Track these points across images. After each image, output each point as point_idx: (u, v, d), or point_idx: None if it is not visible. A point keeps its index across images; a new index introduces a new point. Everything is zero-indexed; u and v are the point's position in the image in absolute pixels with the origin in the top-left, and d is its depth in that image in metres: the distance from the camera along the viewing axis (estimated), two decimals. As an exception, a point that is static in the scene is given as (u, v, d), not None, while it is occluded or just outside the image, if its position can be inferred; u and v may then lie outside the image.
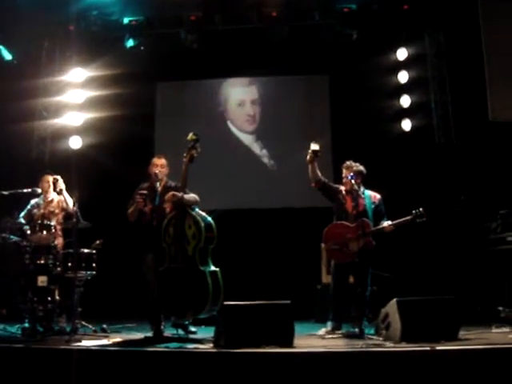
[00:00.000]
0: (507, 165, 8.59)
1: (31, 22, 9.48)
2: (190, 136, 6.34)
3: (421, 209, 6.44)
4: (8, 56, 9.72)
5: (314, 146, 6.75)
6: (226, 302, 5.43)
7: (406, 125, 10.00)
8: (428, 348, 4.96)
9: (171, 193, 6.26)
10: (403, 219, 6.52)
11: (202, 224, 6.06)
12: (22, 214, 7.39)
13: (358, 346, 5.32)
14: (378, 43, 10.10)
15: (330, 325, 6.64)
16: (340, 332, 6.45)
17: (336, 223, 6.83)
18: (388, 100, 10.12)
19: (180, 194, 6.19)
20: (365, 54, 9.94)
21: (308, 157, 6.80)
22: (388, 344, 5.40)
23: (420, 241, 8.86)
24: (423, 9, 9.79)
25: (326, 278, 8.53)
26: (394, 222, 6.58)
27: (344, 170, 6.92)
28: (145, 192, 6.46)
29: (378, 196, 6.86)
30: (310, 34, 10.14)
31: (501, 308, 7.19)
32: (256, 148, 10.71)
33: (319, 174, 6.91)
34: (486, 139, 8.99)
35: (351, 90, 10.19)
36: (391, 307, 5.70)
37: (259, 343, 5.14)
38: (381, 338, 5.75)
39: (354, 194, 6.68)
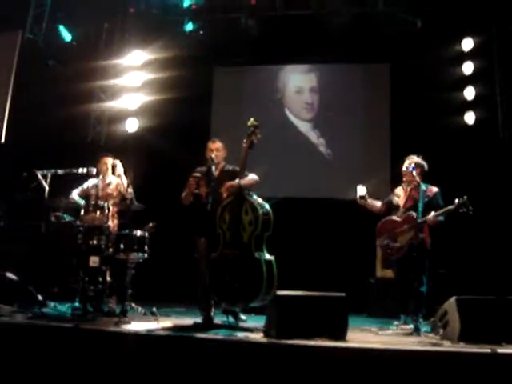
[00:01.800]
0: None
1: (91, 3, 9.52)
2: (251, 121, 6.18)
3: (465, 197, 6.19)
4: (68, 37, 9.79)
5: (361, 192, 6.83)
6: (279, 292, 5.27)
7: (470, 118, 9.64)
8: (489, 350, 4.71)
9: (228, 184, 6.11)
10: (446, 209, 6.28)
11: (260, 211, 5.91)
12: (77, 191, 7.39)
13: (414, 344, 5.11)
14: (443, 33, 9.74)
15: (403, 318, 6.56)
16: (395, 328, 6.27)
17: (386, 219, 6.78)
18: (451, 92, 9.75)
19: (236, 182, 6.07)
20: (429, 43, 9.64)
21: (358, 201, 6.87)
22: (445, 343, 5.17)
23: (480, 238, 8.56)
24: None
25: (381, 272, 8.36)
26: (437, 212, 6.32)
27: (406, 161, 6.79)
28: (197, 175, 6.33)
29: (435, 189, 6.57)
30: (373, 21, 9.93)
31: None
32: (313, 136, 10.53)
33: (378, 204, 6.91)
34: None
35: (413, 81, 9.87)
36: (450, 305, 5.47)
37: (311, 335, 4.97)
38: (438, 337, 5.51)
39: (408, 188, 6.68)
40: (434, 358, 4.70)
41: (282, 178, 9.72)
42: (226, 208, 6.08)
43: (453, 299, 5.44)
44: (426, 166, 6.74)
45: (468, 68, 9.76)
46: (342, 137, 10.31)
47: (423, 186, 6.50)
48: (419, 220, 6.34)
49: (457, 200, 6.21)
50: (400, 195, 6.81)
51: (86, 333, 5.12)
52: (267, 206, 6.12)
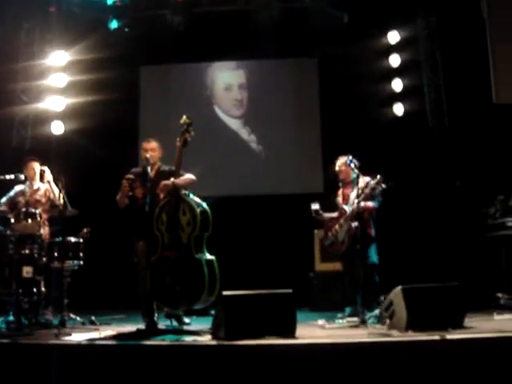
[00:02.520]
0: (503, 148, 8.44)
1: (10, 2, 9.13)
2: (184, 119, 6.02)
3: (378, 176, 6.33)
4: (-14, 37, 9.34)
5: (314, 206, 7.01)
6: (225, 292, 5.13)
7: (399, 109, 9.79)
8: (438, 337, 4.76)
9: (162, 183, 5.95)
10: (363, 193, 6.40)
11: (198, 210, 5.77)
12: (4, 200, 7.05)
13: (364, 336, 5.10)
14: (369, 26, 9.85)
15: (347, 310, 6.66)
16: (342, 321, 6.27)
17: (326, 219, 6.98)
18: (379, 84, 9.92)
19: (170, 182, 5.91)
20: (355, 37, 9.69)
21: (313, 215, 7.02)
22: (394, 333, 5.19)
23: (418, 227, 8.69)
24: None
25: (319, 266, 8.38)
26: (359, 198, 6.44)
27: (338, 162, 7.02)
28: (130, 176, 6.15)
29: (367, 179, 6.58)
30: (300, 16, 9.93)
31: (500, 295, 7.09)
32: (244, 133, 10.44)
33: (334, 215, 6.94)
34: (480, 123, 8.83)
35: (341, 74, 9.88)
36: (396, 295, 5.49)
37: (260, 334, 4.90)
38: (385, 327, 5.53)
39: (344, 186, 6.94)
40: (385, 348, 4.72)
41: (215, 176, 9.55)
42: (163, 209, 5.91)
43: (398, 289, 5.47)
44: (355, 161, 6.71)
45: (395, 60, 9.90)
46: (272, 133, 10.25)
47: (356, 178, 6.62)
48: (351, 210, 6.51)
49: (372, 181, 6.36)
50: (340, 195, 7.00)
51: (25, 348, 4.88)
52: (205, 205, 5.98)
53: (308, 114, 10.24)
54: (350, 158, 6.56)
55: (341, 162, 6.95)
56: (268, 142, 10.33)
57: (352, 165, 6.50)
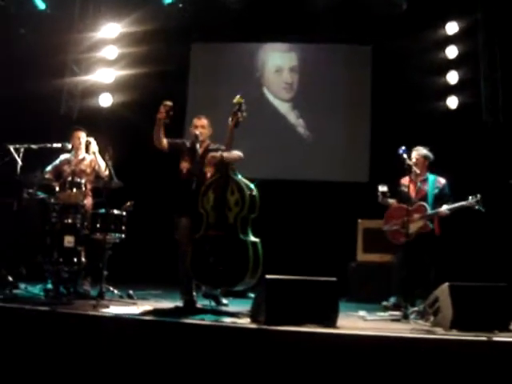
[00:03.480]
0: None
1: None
2: (237, 99, 5.91)
3: (478, 195, 6.40)
4: (42, 5, 9.33)
5: (382, 188, 6.92)
6: (268, 276, 5.01)
7: (453, 102, 9.50)
8: (485, 338, 4.58)
9: (210, 155, 5.88)
10: (459, 204, 6.51)
11: (247, 191, 5.69)
12: (49, 168, 7.02)
13: (407, 331, 4.95)
14: (428, 16, 9.57)
15: (392, 300, 6.63)
16: (383, 314, 6.13)
17: (396, 206, 6.93)
18: (434, 76, 9.62)
19: (218, 154, 5.83)
20: (412, 26, 9.45)
21: (379, 198, 6.95)
22: (438, 331, 5.02)
23: (468, 225, 8.45)
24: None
25: (361, 256, 8.22)
26: (450, 206, 6.55)
27: (413, 153, 6.94)
28: (169, 103, 5.98)
29: (443, 181, 6.77)
30: (357, 1, 9.67)
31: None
32: (292, 117, 10.30)
33: (393, 201, 6.99)
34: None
35: (396, 63, 9.67)
36: (442, 292, 5.31)
37: (301, 321, 4.78)
38: (428, 324, 5.37)
39: (417, 180, 6.82)
40: (428, 345, 4.57)
41: (261, 158, 9.44)
42: (210, 187, 5.83)
43: (445, 285, 5.28)
44: (428, 155, 6.90)
45: (452, 52, 9.59)
46: (321, 118, 10.09)
47: (431, 178, 6.80)
48: (430, 211, 6.59)
49: (470, 198, 6.43)
50: (408, 186, 6.83)
51: (63, 316, 4.86)
52: (253, 186, 5.89)
53: (358, 102, 10.04)
54: (402, 148, 6.38)
55: (419, 153, 6.91)
56: (316, 128, 10.16)
57: (405, 155, 6.36)
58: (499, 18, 9.45)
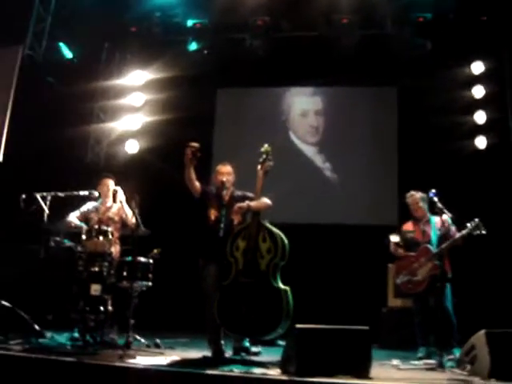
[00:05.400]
0: None
1: (92, 21, 9.26)
2: (265, 148, 5.91)
3: (476, 219, 6.21)
4: (68, 54, 9.48)
5: (394, 238, 6.82)
6: (298, 325, 4.88)
7: (481, 142, 9.39)
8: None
9: (237, 205, 5.81)
10: (459, 235, 6.27)
11: (279, 238, 5.62)
12: (76, 213, 6.98)
13: (443, 381, 4.76)
14: (452, 56, 9.58)
15: (421, 351, 6.42)
16: (418, 362, 5.90)
17: (403, 255, 6.77)
18: (461, 116, 9.55)
19: (245, 204, 5.77)
20: (437, 66, 9.46)
21: (391, 249, 6.85)
22: (476, 381, 4.81)
23: (497, 267, 8.26)
24: (501, 20, 9.24)
25: (392, 301, 8.04)
26: (450, 240, 6.29)
27: (409, 198, 6.88)
28: (195, 144, 5.91)
29: (445, 217, 6.33)
30: (381, 43, 9.74)
31: None
32: (318, 160, 10.27)
33: (403, 251, 6.81)
34: None
35: (421, 104, 9.65)
36: (478, 339, 5.11)
37: (333, 372, 4.61)
38: (465, 373, 5.16)
39: (421, 223, 6.73)
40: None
41: (286, 203, 9.31)
42: (239, 235, 5.74)
43: (482, 333, 5.09)
44: (426, 198, 6.66)
45: (478, 92, 9.54)
46: (347, 161, 10.06)
47: (433, 219, 6.62)
48: (435, 250, 6.39)
49: (469, 224, 6.23)
50: (413, 230, 6.78)
51: (89, 368, 4.74)
52: (282, 234, 5.80)
53: (385, 144, 9.99)
54: (433, 191, 6.25)
55: (413, 198, 6.83)
56: (343, 171, 10.13)
57: (435, 198, 6.21)
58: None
